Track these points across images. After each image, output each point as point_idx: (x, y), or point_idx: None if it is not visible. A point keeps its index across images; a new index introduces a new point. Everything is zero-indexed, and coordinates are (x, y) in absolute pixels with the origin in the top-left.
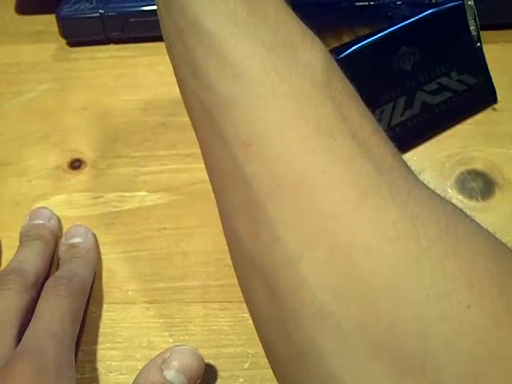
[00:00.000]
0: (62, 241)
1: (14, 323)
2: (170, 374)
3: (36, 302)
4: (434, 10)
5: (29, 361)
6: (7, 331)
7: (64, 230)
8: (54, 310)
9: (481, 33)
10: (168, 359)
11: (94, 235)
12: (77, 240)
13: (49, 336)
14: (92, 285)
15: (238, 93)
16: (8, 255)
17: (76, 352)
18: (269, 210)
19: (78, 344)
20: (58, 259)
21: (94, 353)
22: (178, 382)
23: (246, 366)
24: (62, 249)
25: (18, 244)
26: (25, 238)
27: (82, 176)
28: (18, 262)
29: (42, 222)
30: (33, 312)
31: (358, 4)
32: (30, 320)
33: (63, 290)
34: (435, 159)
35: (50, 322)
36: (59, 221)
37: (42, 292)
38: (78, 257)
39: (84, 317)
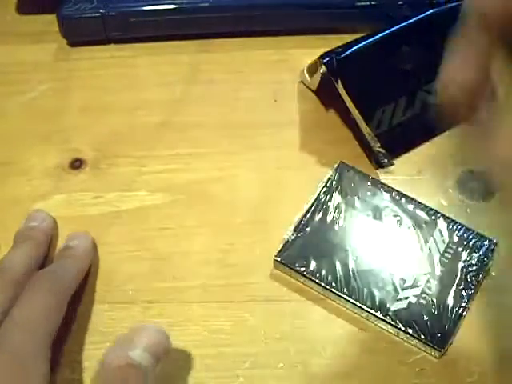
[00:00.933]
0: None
1: None
2: (135, 353)
3: None
4: (435, 10)
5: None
6: None
7: (63, 229)
8: (33, 303)
9: None
10: (133, 338)
11: (93, 240)
12: (72, 242)
13: (23, 329)
14: (86, 284)
15: None
16: None
17: (59, 350)
18: None
19: (77, 343)
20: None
21: (94, 352)
22: (145, 360)
23: (246, 365)
24: (57, 251)
25: None
26: (18, 240)
27: (83, 176)
28: (5, 261)
29: (35, 223)
30: None
31: (358, 4)
32: None
33: (45, 284)
34: (435, 159)
35: (26, 314)
36: (54, 222)
37: (26, 285)
38: (68, 256)
39: (84, 316)
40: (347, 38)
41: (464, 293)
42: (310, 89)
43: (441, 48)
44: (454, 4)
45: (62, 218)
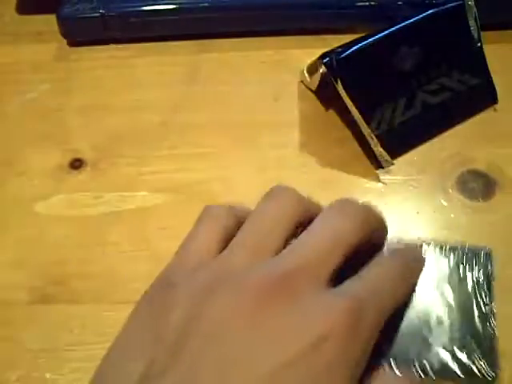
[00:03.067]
0: None
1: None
2: None
3: None
4: (434, 10)
5: None
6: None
7: (63, 229)
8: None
9: (481, 33)
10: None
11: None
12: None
13: None
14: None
15: None
16: (8, 254)
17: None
18: None
19: (77, 343)
20: None
21: (95, 352)
22: None
23: None
24: None
25: (15, 243)
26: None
27: (83, 176)
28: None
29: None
30: None
31: (358, 4)
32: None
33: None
34: (435, 159)
35: None
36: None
37: None
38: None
39: (85, 316)
40: (347, 38)
41: (486, 309)
42: (309, 89)
43: (441, 48)
44: (454, 4)
45: (62, 217)
